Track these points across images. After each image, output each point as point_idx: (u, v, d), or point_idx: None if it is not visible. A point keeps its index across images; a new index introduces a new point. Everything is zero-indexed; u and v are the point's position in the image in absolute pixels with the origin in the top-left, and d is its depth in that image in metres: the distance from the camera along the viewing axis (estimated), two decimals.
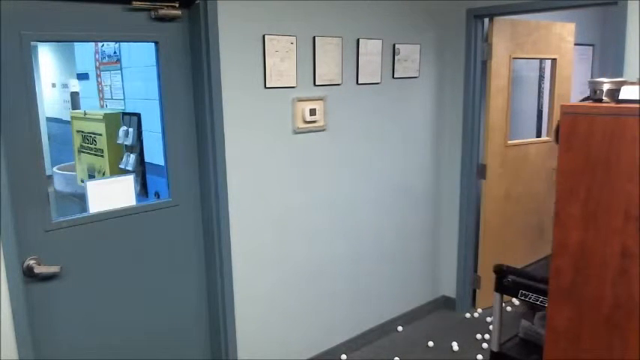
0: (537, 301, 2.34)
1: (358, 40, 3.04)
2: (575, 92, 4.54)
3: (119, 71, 3.18)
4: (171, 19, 2.37)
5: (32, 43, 2.04)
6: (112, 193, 2.37)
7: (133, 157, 3.04)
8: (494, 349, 2.59)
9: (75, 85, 4.33)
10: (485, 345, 3.40)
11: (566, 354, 1.88)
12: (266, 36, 2.63)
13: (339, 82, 2.99)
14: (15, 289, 2.02)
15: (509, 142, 3.79)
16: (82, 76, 3.72)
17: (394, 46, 3.25)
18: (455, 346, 3.37)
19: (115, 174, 3.06)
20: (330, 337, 3.25)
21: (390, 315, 3.59)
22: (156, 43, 2.39)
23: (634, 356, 1.71)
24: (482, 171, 3.72)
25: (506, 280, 2.47)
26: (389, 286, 3.55)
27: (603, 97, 1.77)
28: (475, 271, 3.88)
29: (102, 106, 3.46)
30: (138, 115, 3.01)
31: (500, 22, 3.54)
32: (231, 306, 2.70)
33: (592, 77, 3.71)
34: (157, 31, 2.35)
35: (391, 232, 3.49)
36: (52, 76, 5.27)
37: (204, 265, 2.68)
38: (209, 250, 2.65)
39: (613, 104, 1.71)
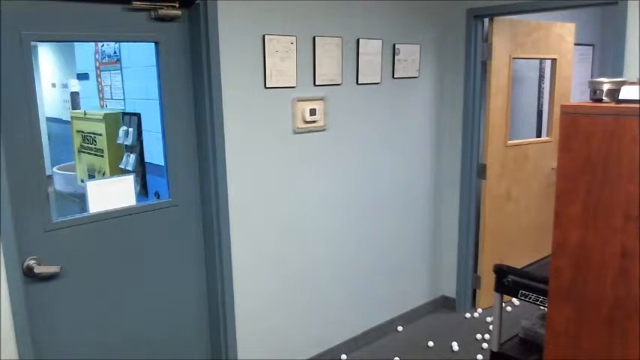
0: (537, 301, 2.34)
1: (358, 40, 3.04)
2: (575, 92, 4.55)
3: (119, 71, 3.18)
4: (171, 19, 2.37)
5: (32, 43, 2.04)
6: (112, 193, 2.37)
7: (133, 157, 3.04)
8: (494, 349, 2.58)
9: (75, 85, 4.33)
10: (485, 345, 3.40)
11: (566, 354, 1.88)
12: (266, 36, 2.63)
13: (339, 82, 2.99)
14: (15, 289, 2.02)
15: (509, 142, 3.79)
16: (82, 76, 3.71)
17: (394, 46, 3.25)
18: (455, 346, 3.37)
19: (115, 174, 3.06)
20: (330, 337, 3.25)
21: (390, 315, 3.59)
22: (156, 43, 2.39)
23: (634, 356, 1.71)
24: (482, 171, 3.71)
25: (506, 280, 2.47)
26: (389, 286, 3.55)
27: (603, 97, 1.77)
28: (475, 271, 3.88)
29: (102, 106, 3.46)
30: (138, 115, 3.01)
31: (500, 22, 3.54)
32: (231, 306, 2.70)
33: (592, 77, 3.71)
34: (157, 31, 2.35)
35: (391, 232, 3.49)
36: (52, 76, 5.27)
37: (204, 265, 2.68)
38: (209, 250, 2.65)
39: (613, 104, 1.71)
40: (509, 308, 3.90)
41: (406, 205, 3.56)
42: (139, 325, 2.48)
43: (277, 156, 2.80)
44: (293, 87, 2.79)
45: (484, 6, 3.39)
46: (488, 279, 3.78)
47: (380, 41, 3.15)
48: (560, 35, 3.91)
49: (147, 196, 2.91)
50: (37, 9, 2.03)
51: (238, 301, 2.73)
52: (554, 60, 3.94)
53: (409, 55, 3.35)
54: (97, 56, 3.39)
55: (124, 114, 3.14)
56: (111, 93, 3.32)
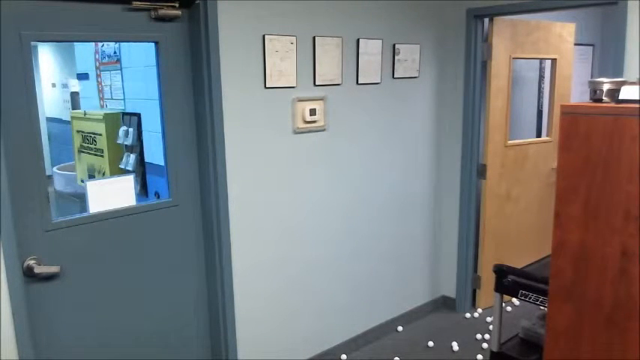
0: (537, 301, 2.34)
1: (358, 40, 3.04)
2: (575, 92, 4.55)
3: (119, 71, 3.18)
4: (171, 19, 2.37)
5: (32, 43, 2.04)
6: (112, 193, 2.37)
7: (133, 157, 3.04)
8: (494, 349, 2.58)
9: (75, 85, 4.33)
10: (485, 345, 3.40)
11: (566, 354, 1.88)
12: (266, 36, 2.63)
13: (339, 82, 3.00)
14: (15, 289, 2.03)
15: (509, 142, 3.79)
16: (82, 76, 3.71)
17: (394, 46, 3.25)
18: (455, 346, 3.37)
19: (115, 174, 3.06)
20: (330, 337, 3.25)
21: (390, 315, 3.59)
22: (156, 43, 2.39)
23: (634, 356, 1.71)
24: (482, 171, 3.72)
25: (506, 280, 2.47)
26: (389, 286, 3.55)
27: (603, 97, 1.77)
28: (475, 271, 3.88)
29: (102, 106, 3.46)
30: (138, 115, 3.01)
31: (500, 22, 3.54)
32: (231, 306, 2.70)
33: (592, 77, 3.71)
34: (157, 31, 2.35)
35: (391, 232, 3.49)
36: (52, 76, 5.27)
37: (204, 265, 2.68)
38: (209, 250, 2.65)
39: (613, 104, 1.71)
40: (509, 308, 3.90)
41: (406, 204, 3.56)
42: (138, 325, 2.48)
43: (277, 156, 2.80)
44: (293, 87, 2.79)
45: (484, 6, 3.39)
46: (488, 279, 3.78)
47: (380, 41, 3.15)
48: (560, 35, 3.90)
49: (147, 196, 2.91)
50: (37, 9, 2.03)
51: (238, 301, 2.73)
52: (554, 60, 3.94)
53: (409, 55, 3.35)
54: (97, 56, 3.39)
55: (124, 114, 3.14)
56: (111, 93, 3.32)
